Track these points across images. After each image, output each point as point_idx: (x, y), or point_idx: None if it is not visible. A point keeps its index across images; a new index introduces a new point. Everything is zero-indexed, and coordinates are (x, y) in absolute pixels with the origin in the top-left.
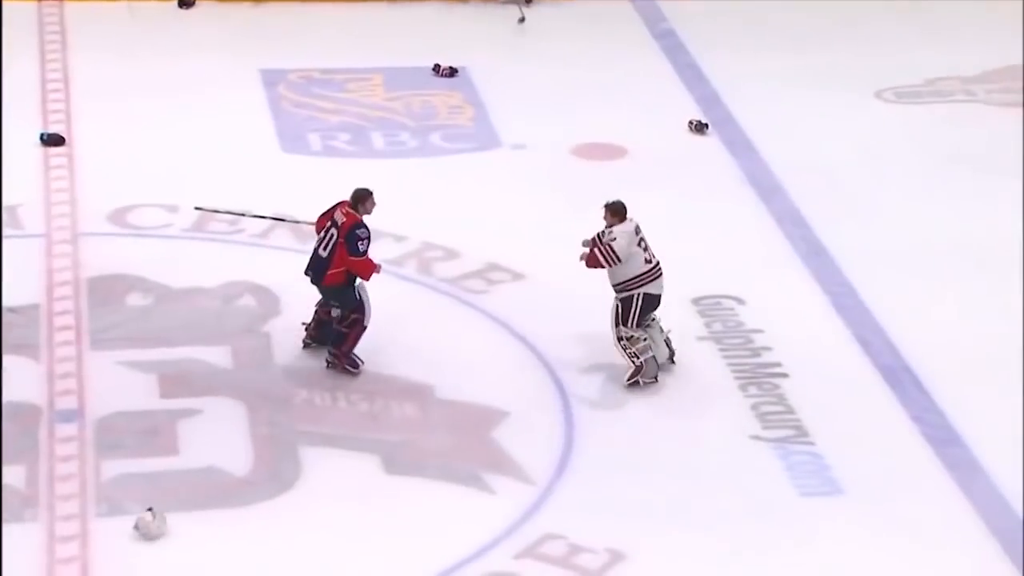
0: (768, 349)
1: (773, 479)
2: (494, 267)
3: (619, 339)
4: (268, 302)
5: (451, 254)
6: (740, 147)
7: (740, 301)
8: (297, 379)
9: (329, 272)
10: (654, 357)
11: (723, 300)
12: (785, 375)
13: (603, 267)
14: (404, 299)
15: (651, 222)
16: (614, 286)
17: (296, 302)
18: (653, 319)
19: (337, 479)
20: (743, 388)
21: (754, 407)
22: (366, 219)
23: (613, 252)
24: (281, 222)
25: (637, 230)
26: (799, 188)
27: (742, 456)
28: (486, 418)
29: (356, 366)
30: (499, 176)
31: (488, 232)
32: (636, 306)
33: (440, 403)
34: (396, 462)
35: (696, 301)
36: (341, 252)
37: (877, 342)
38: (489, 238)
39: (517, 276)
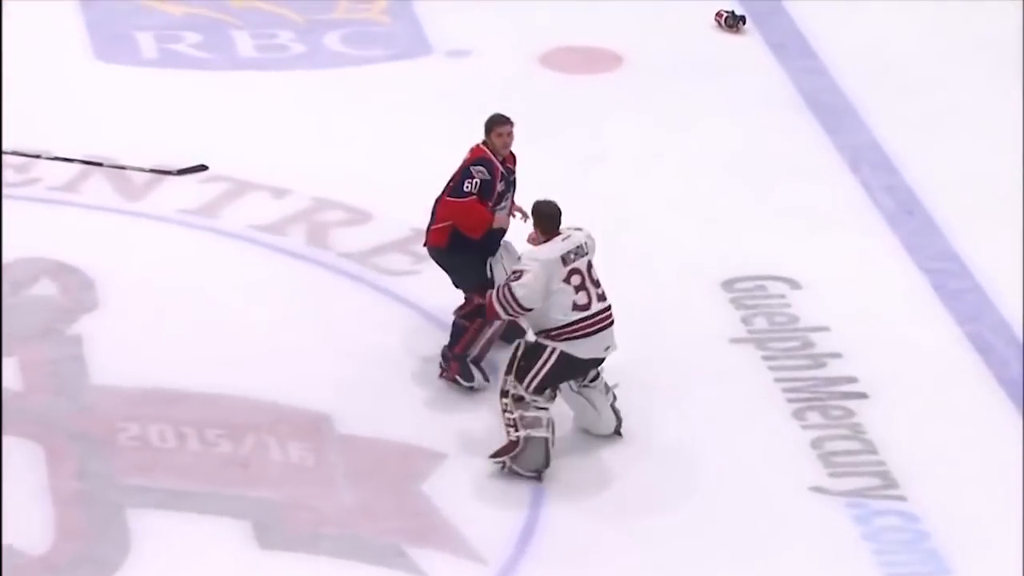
0: (836, 357)
1: (845, 552)
2: (423, 235)
3: (503, 393)
4: (77, 289)
5: (358, 217)
6: (791, 50)
7: (794, 284)
8: (124, 407)
9: (432, 228)
10: (547, 440)
11: (768, 283)
12: (863, 395)
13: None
14: (287, 283)
15: (657, 165)
16: (532, 328)
17: (121, 289)
18: (590, 380)
19: (185, 560)
20: (799, 416)
21: (816, 444)
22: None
23: (512, 298)
24: (97, 167)
25: (573, 254)
26: (880, 110)
27: (798, 518)
28: (411, 464)
29: (471, 379)
30: (429, 98)
31: (413, 184)
32: (546, 364)
33: (342, 441)
34: (275, 532)
35: (728, 285)
36: (446, 199)
37: (1001, 346)
38: (415, 193)
39: None
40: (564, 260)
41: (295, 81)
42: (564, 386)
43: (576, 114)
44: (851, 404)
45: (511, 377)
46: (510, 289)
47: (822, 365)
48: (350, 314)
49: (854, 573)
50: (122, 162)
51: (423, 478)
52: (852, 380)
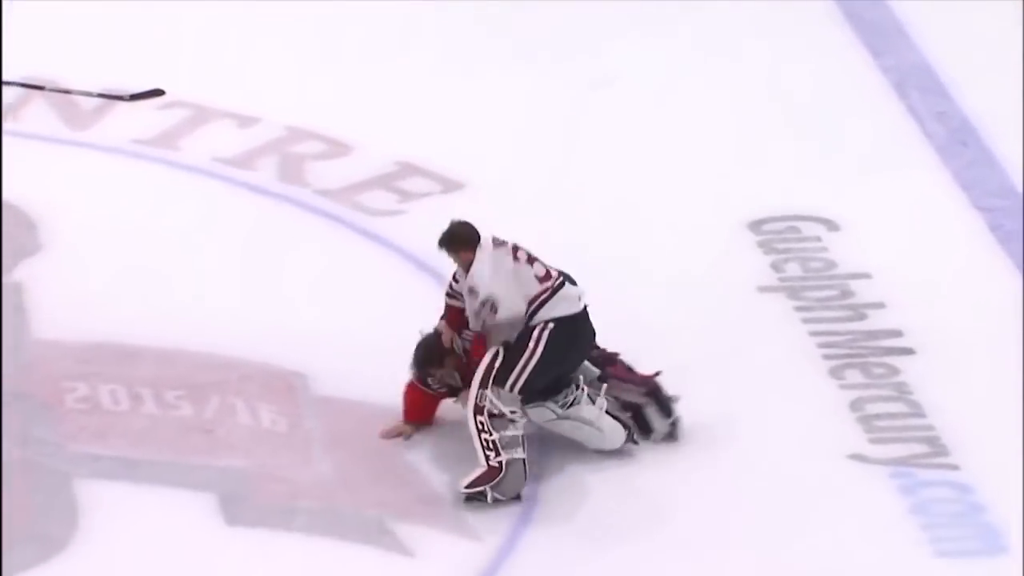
0: (879, 307)
1: (889, 526)
2: (411, 170)
3: (477, 411)
4: (17, 230)
5: (336, 149)
6: None
7: (831, 225)
8: (71, 364)
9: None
10: (525, 461)
11: (802, 224)
12: (908, 351)
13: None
14: (256, 223)
15: (677, 91)
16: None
17: (67, 230)
18: (577, 386)
19: (142, 537)
20: (837, 374)
21: (855, 405)
22: None
23: (493, 306)
24: (39, 91)
25: (498, 240)
26: (931, 27)
27: (836, 489)
28: (396, 430)
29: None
30: (416, 18)
31: (398, 113)
32: (536, 348)
33: (318, 403)
34: (243, 505)
35: (756, 227)
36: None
37: None
38: (399, 123)
39: (451, 185)
40: (495, 242)
41: None
42: (550, 414)
43: (586, 35)
44: (895, 361)
45: (486, 390)
46: (491, 304)
47: (863, 317)
48: (327, 258)
49: (899, 550)
50: (68, 85)
51: (409, 445)
52: (896, 334)
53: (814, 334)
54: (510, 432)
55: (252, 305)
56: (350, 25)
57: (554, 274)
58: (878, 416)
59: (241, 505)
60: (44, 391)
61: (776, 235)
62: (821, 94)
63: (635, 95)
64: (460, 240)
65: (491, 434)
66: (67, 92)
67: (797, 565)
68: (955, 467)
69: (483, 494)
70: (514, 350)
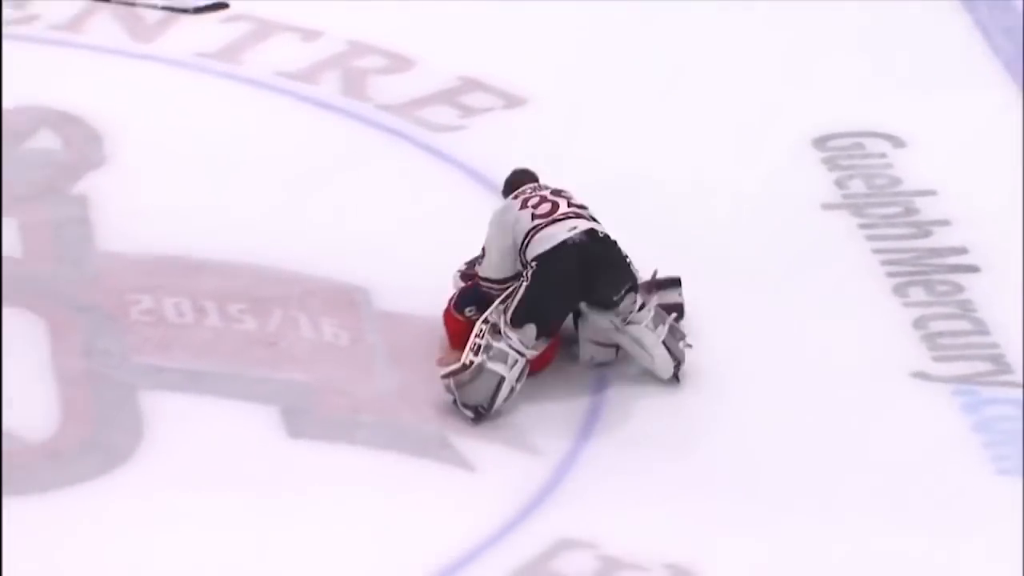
0: (944, 225)
1: (951, 444)
2: (473, 85)
3: (483, 320)
4: (82, 143)
5: (399, 64)
6: None
7: (896, 142)
8: (135, 277)
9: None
10: (502, 380)
11: (866, 140)
12: (973, 268)
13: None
14: (318, 137)
15: (730, 4)
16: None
17: (131, 143)
18: (641, 306)
19: (205, 449)
20: (900, 291)
21: (919, 323)
22: None
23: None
24: (104, 3)
25: (529, 191)
26: None
27: (898, 406)
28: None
29: None
30: None
31: (462, 27)
32: (521, 285)
33: (380, 318)
34: (305, 418)
35: (819, 143)
36: None
37: None
38: (463, 37)
39: (514, 101)
40: (516, 195)
41: None
42: (608, 324)
43: None
44: (959, 278)
45: (500, 305)
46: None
47: (927, 234)
48: (389, 173)
49: (961, 467)
50: None
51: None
52: (961, 251)
53: (878, 251)
54: (501, 345)
55: (314, 220)
56: None
57: (556, 212)
58: (941, 334)
59: (303, 418)
60: (109, 303)
61: (840, 151)
62: (886, 7)
63: (698, 9)
64: (507, 188)
65: (481, 337)
66: (132, 4)
67: (859, 483)
68: (1019, 385)
69: (447, 387)
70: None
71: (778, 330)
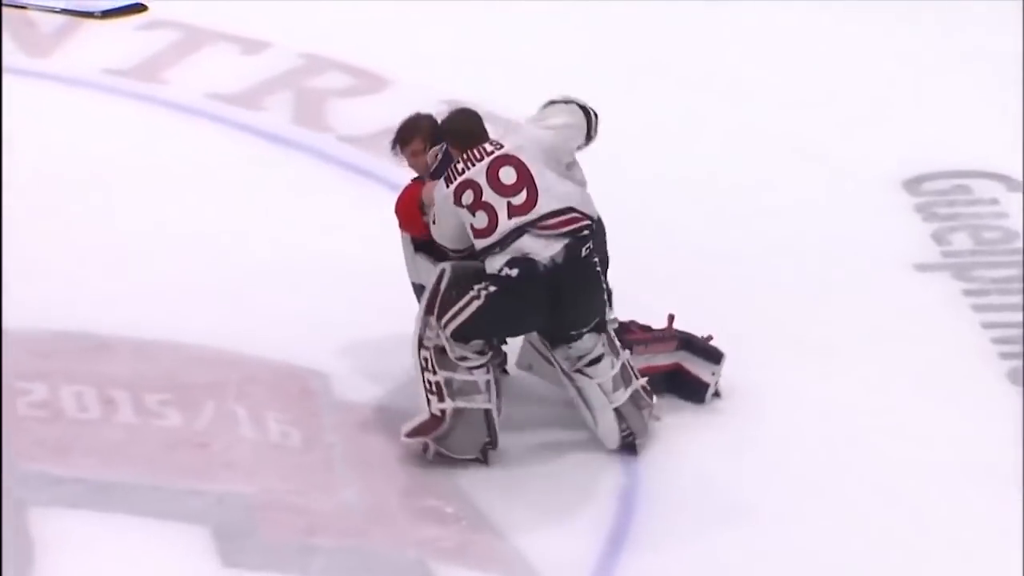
0: None
1: None
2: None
3: (419, 343)
4: None
5: (367, 83)
6: None
7: (1012, 184)
8: (26, 356)
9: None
10: (488, 413)
11: (972, 182)
12: None
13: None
14: (263, 177)
15: (812, 27)
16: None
17: (23, 184)
18: (615, 349)
19: None
20: (1015, 377)
21: None
22: None
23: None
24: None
25: (468, 163)
26: None
27: (1010, 528)
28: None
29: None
30: None
31: (442, 41)
32: (473, 303)
33: (341, 410)
34: (247, 545)
35: (913, 186)
36: None
37: None
38: (444, 53)
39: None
40: (448, 180)
41: None
42: (558, 360)
43: None
44: None
45: (431, 318)
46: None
47: None
48: (354, 222)
49: None
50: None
51: (459, 464)
52: None
53: (987, 326)
54: (460, 376)
55: (257, 283)
56: None
57: (494, 229)
58: None
59: (243, 542)
60: None
61: (939, 196)
62: (991, 26)
63: (781, 33)
64: (463, 138)
65: (435, 373)
66: (22, 7)
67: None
68: None
69: (424, 447)
70: (460, 286)
71: (857, 418)
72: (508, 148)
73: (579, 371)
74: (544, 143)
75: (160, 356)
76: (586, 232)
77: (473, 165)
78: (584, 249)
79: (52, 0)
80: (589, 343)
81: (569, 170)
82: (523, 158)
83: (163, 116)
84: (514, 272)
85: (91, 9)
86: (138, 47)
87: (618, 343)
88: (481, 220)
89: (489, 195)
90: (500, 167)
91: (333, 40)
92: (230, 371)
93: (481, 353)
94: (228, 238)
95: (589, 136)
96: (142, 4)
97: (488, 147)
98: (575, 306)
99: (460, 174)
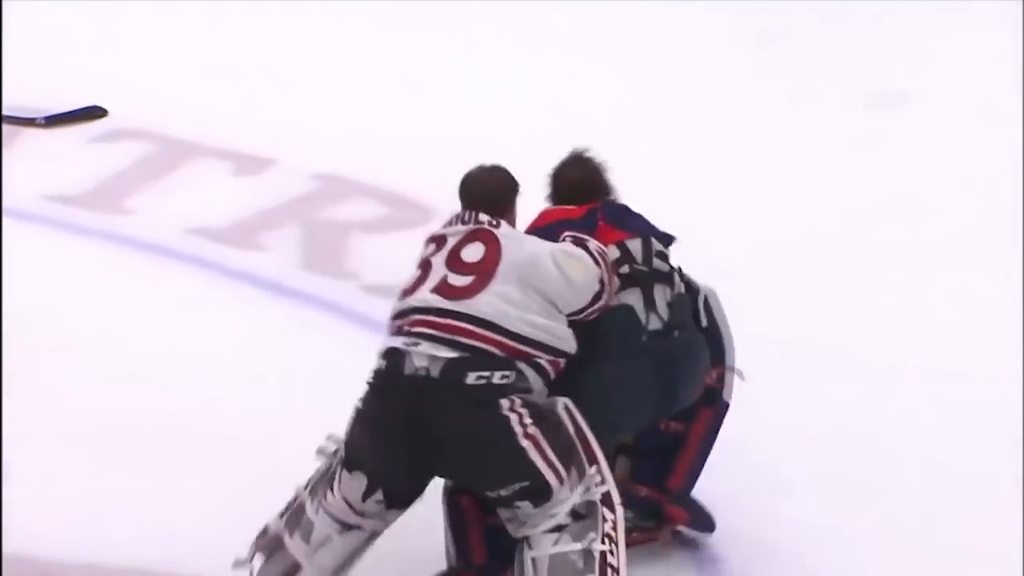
0: None
1: None
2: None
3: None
4: None
5: (410, 213)
6: None
7: None
8: None
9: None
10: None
11: None
12: None
13: None
14: (272, 341)
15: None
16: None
17: None
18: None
19: None
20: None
21: None
22: None
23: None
24: None
25: (455, 220)
26: None
27: None
28: None
29: (710, 524)
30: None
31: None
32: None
33: None
34: None
35: None
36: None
37: None
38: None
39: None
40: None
41: None
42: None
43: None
44: None
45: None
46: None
47: None
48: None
49: None
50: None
51: None
52: None
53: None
54: (307, 514)
55: (259, 479)
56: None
57: (418, 299)
58: None
59: None
60: None
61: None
62: None
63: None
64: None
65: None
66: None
67: None
68: None
69: None
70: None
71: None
72: (500, 232)
73: (526, 536)
74: (540, 269)
75: None
76: (496, 370)
77: (456, 225)
78: (475, 379)
79: None
80: (525, 509)
81: (550, 317)
82: (502, 251)
83: (127, 259)
84: (383, 365)
85: (31, 115)
86: (94, 166)
87: (611, 518)
88: (411, 278)
89: (439, 258)
90: (473, 242)
91: (357, 156)
92: None
93: (352, 508)
94: (227, 429)
95: (590, 309)
96: (99, 107)
97: (484, 218)
98: (456, 455)
99: (444, 225)
